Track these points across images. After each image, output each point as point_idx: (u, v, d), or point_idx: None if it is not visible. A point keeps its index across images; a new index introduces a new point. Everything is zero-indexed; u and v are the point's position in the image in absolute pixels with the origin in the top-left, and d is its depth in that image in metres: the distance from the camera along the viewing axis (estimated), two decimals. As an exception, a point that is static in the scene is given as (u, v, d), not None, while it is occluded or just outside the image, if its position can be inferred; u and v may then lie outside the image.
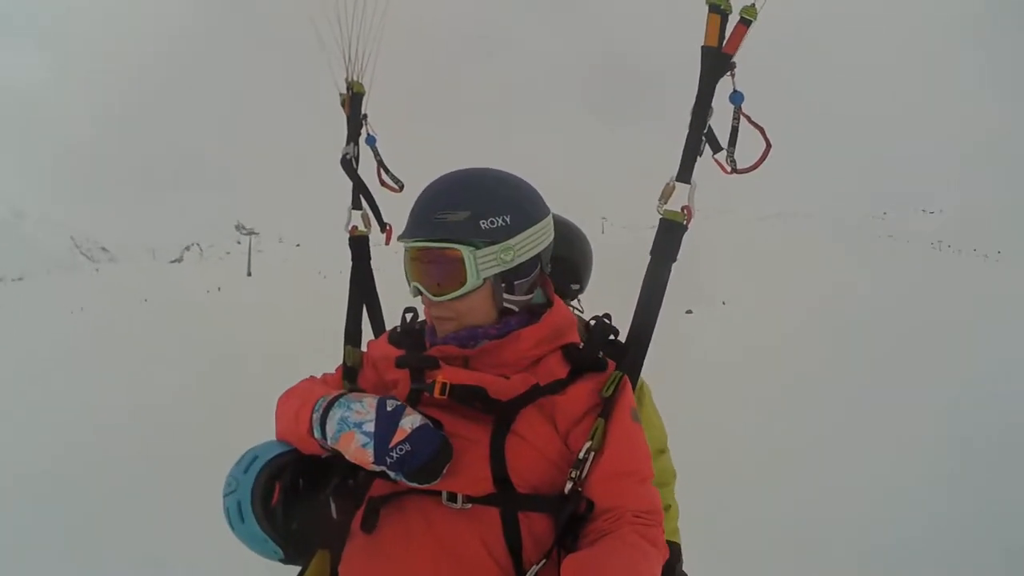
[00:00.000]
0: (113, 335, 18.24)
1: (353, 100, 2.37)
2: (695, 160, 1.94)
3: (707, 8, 1.89)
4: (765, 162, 1.89)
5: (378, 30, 2.32)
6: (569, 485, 1.58)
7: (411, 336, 1.90)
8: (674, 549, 2.34)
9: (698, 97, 1.92)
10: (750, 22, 1.87)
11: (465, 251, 1.67)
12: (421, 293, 1.77)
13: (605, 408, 1.67)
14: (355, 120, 2.37)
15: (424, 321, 1.92)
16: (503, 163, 1.93)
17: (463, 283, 1.69)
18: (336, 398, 1.64)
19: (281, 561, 1.65)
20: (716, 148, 1.93)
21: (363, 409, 1.57)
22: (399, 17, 2.31)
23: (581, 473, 1.59)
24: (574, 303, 2.61)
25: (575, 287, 2.60)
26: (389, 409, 1.55)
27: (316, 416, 1.63)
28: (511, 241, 1.74)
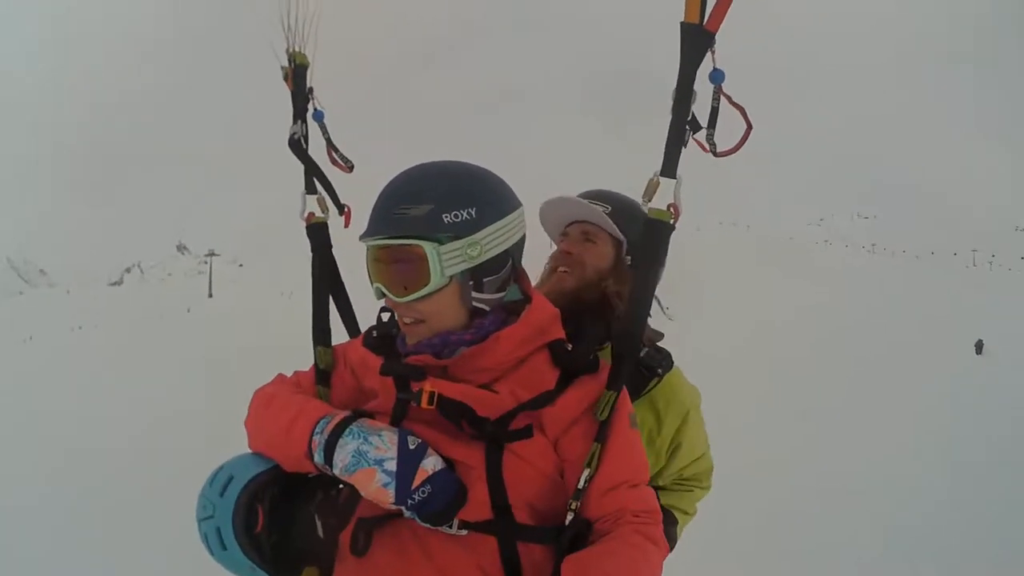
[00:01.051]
0: (71, 365, 18.08)
1: (296, 73, 2.16)
2: (680, 151, 1.78)
3: None
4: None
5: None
6: (570, 517, 1.52)
7: (387, 342, 1.77)
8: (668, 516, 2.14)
9: (680, 80, 1.76)
10: None
11: (427, 247, 1.55)
12: (384, 295, 1.63)
13: (600, 432, 1.58)
14: (300, 95, 2.16)
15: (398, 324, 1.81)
16: (498, 166, 1.83)
17: (427, 282, 1.57)
18: (345, 423, 1.53)
19: None
20: (696, 128, 1.79)
21: (383, 445, 1.46)
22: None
23: (580, 503, 1.53)
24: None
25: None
26: (412, 448, 1.47)
27: (319, 439, 1.51)
28: (477, 236, 1.61)
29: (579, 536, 1.50)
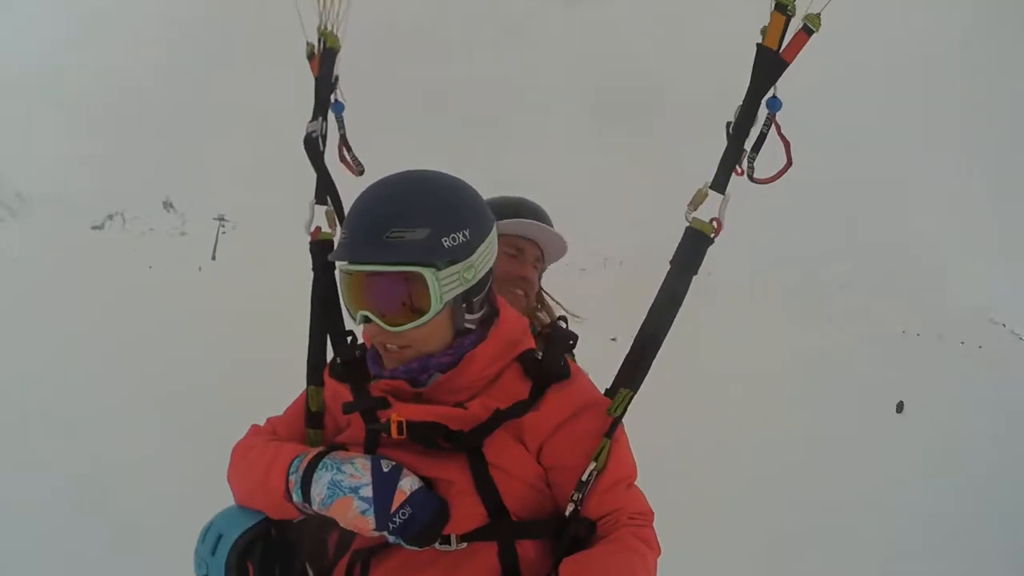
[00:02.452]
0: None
1: (325, 57, 2.01)
2: (733, 169, 1.79)
3: (772, 6, 1.75)
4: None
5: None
6: (571, 508, 1.52)
7: (353, 368, 1.72)
8: None
9: (746, 101, 1.77)
10: (812, 32, 1.74)
11: (428, 274, 1.48)
12: (369, 321, 1.55)
13: (612, 428, 1.59)
14: (325, 83, 2.01)
15: (363, 345, 1.78)
16: (497, 177, 1.73)
17: (427, 310, 1.51)
18: (317, 457, 1.52)
19: None
20: (758, 147, 1.81)
21: (356, 472, 1.46)
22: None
23: (583, 495, 1.52)
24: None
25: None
26: (386, 470, 1.46)
27: (295, 478, 1.50)
28: (472, 258, 1.57)
29: (580, 533, 1.50)
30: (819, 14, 1.73)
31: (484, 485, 1.50)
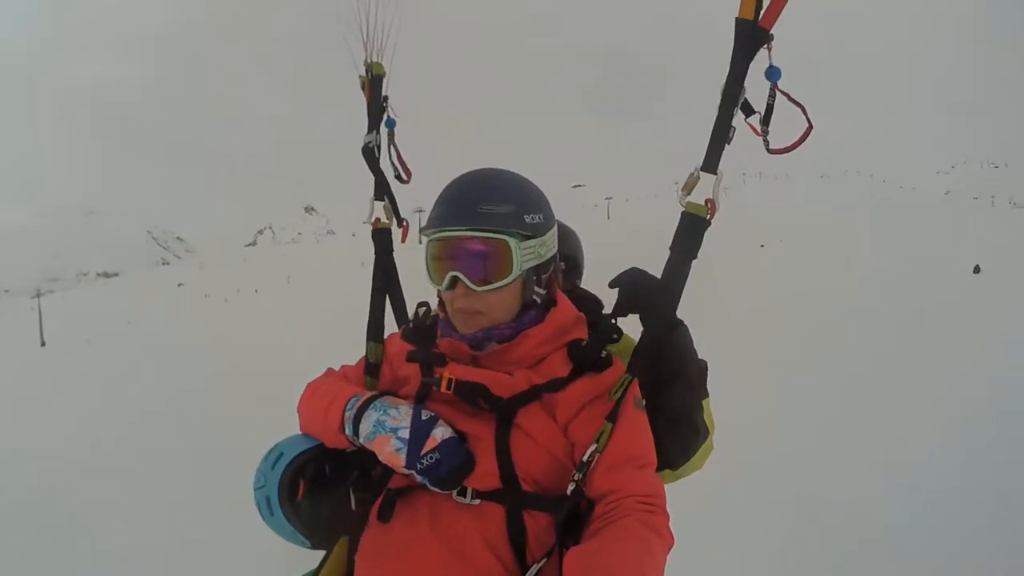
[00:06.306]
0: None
1: (373, 83, 2.22)
2: (723, 147, 1.76)
3: None
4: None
5: (397, 6, 2.14)
6: (572, 487, 1.56)
7: (422, 332, 1.88)
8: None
9: (729, 76, 1.73)
10: None
11: (511, 242, 1.68)
12: (456, 284, 1.72)
13: (613, 411, 1.64)
14: (376, 104, 2.22)
15: (436, 316, 1.92)
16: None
17: (508, 273, 1.69)
18: (371, 400, 1.69)
19: (308, 547, 1.76)
20: (749, 112, 1.76)
21: (399, 416, 1.62)
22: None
23: (584, 475, 1.57)
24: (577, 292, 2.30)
25: (578, 282, 2.52)
26: (424, 419, 1.61)
27: (349, 414, 1.68)
28: (544, 237, 1.77)
29: (578, 510, 1.54)
30: None
31: (502, 450, 1.60)
